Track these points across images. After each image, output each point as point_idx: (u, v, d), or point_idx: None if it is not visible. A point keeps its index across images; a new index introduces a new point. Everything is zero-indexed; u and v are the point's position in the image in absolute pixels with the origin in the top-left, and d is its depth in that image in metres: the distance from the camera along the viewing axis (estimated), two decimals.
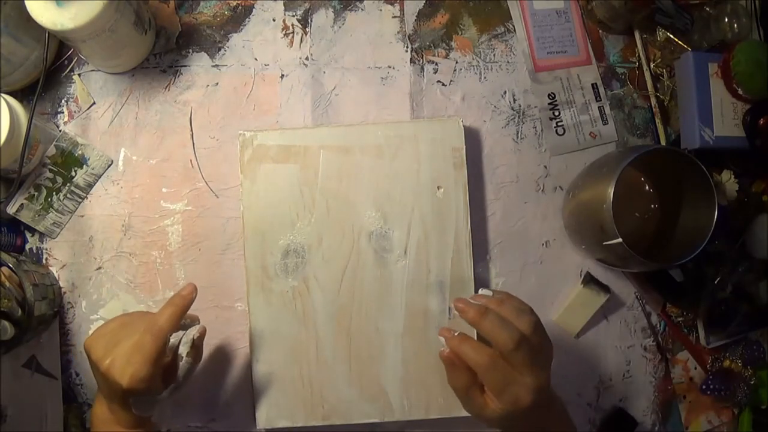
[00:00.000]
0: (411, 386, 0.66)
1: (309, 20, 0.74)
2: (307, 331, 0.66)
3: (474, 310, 0.50)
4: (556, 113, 0.74)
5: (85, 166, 0.70)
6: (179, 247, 0.70)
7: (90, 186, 0.70)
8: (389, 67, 0.73)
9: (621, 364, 0.73)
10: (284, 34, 0.73)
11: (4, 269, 0.60)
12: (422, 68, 0.74)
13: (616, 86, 0.76)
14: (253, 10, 0.73)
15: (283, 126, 0.72)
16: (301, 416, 0.65)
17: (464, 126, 0.68)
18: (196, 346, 0.56)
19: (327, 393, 0.65)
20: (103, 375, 0.52)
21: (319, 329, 0.66)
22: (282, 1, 0.73)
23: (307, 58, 0.73)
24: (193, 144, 0.71)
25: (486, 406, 0.51)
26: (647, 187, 0.73)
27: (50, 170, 0.69)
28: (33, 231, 0.70)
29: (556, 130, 0.74)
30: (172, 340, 0.57)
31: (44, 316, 0.65)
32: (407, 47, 0.74)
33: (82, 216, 0.70)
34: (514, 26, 0.75)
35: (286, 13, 0.73)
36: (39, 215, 0.69)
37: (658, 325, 0.74)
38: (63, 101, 0.71)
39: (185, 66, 0.72)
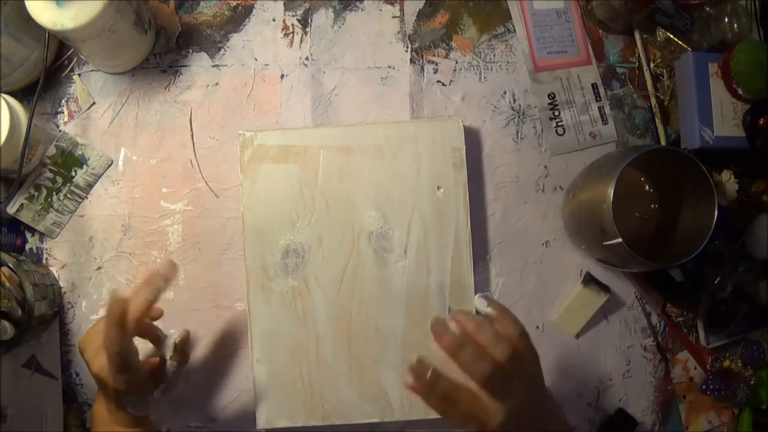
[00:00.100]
0: None
1: (309, 20, 0.74)
2: (307, 331, 0.66)
3: (449, 339, 0.48)
4: (556, 113, 0.74)
5: (85, 166, 0.70)
6: (179, 247, 0.70)
7: (90, 186, 0.70)
8: (389, 67, 0.73)
9: (621, 364, 0.73)
10: (284, 34, 0.73)
11: (4, 269, 0.60)
12: (422, 68, 0.74)
13: (616, 86, 0.76)
14: (253, 10, 0.73)
15: (283, 126, 0.72)
16: (301, 416, 0.65)
17: (464, 126, 0.68)
18: (179, 349, 0.56)
19: (327, 393, 0.66)
20: (95, 375, 0.52)
21: (319, 329, 0.66)
22: (282, 1, 0.73)
23: (307, 58, 0.73)
24: (193, 144, 0.71)
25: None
26: (647, 187, 0.73)
27: (50, 170, 0.69)
28: (33, 231, 0.70)
29: (556, 130, 0.74)
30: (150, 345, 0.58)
31: (44, 316, 0.65)
32: (407, 47, 0.74)
33: (82, 216, 0.70)
34: (514, 26, 0.75)
35: (286, 13, 0.73)
36: (39, 215, 0.69)
37: (658, 325, 0.74)
38: (63, 101, 0.71)
39: (185, 66, 0.72)
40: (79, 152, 0.70)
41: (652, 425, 0.73)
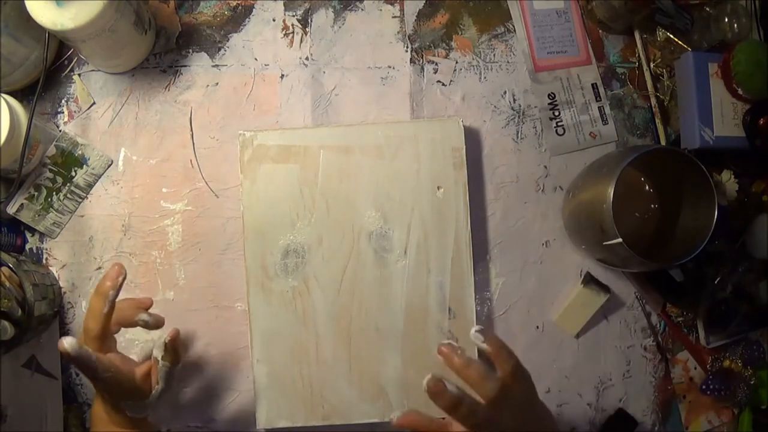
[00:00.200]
0: (411, 386, 0.66)
1: (309, 20, 0.74)
2: (307, 331, 0.66)
3: (447, 400, 0.48)
4: (556, 113, 0.74)
5: (85, 166, 0.70)
6: (179, 247, 0.70)
7: (90, 186, 0.70)
8: (389, 67, 0.73)
9: (621, 364, 0.73)
10: (284, 34, 0.73)
11: (4, 269, 0.60)
12: (422, 68, 0.74)
13: (616, 86, 0.76)
14: (253, 10, 0.73)
15: (283, 126, 0.72)
16: (301, 416, 0.65)
17: (464, 126, 0.68)
18: (170, 349, 0.56)
19: (327, 393, 0.66)
20: (90, 380, 0.53)
21: (319, 329, 0.66)
22: (282, 1, 0.73)
23: (307, 58, 0.73)
24: (193, 144, 0.71)
25: None
26: (647, 187, 0.73)
27: (50, 170, 0.69)
28: (33, 231, 0.70)
29: (556, 130, 0.74)
30: (150, 345, 0.58)
31: (44, 316, 0.65)
32: (407, 47, 0.74)
33: (82, 216, 0.70)
34: (514, 26, 0.75)
35: (286, 13, 0.73)
36: (39, 215, 0.69)
37: (658, 325, 0.74)
38: (63, 101, 0.71)
39: (185, 66, 0.72)
40: (79, 152, 0.70)
41: (652, 425, 0.73)
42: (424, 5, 0.74)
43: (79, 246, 0.70)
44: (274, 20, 0.73)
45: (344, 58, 0.73)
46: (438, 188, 0.67)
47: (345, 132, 0.68)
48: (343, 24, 0.74)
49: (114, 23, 0.61)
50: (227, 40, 0.73)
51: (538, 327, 0.72)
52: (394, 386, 0.66)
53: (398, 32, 0.74)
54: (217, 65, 0.72)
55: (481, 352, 0.52)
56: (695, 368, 0.74)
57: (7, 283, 0.60)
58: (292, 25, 0.73)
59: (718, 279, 0.72)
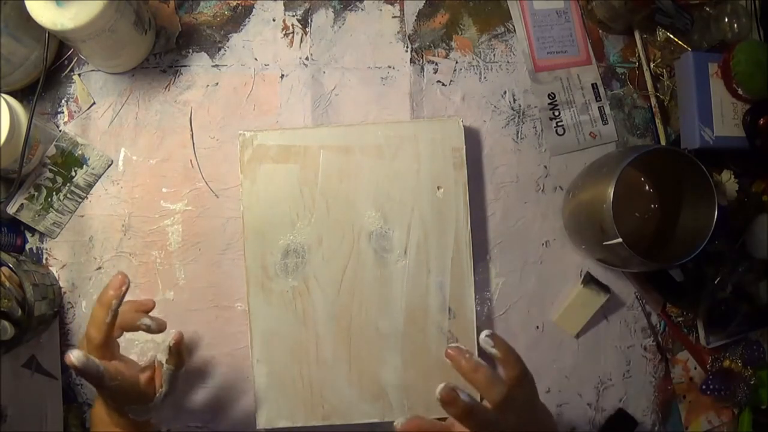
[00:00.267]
0: (411, 386, 0.66)
1: (309, 20, 0.74)
2: (307, 331, 0.66)
3: (459, 409, 0.48)
4: (556, 113, 0.74)
5: (85, 166, 0.70)
6: (179, 247, 0.70)
7: (90, 186, 0.70)
8: (389, 67, 0.73)
9: (621, 364, 0.73)
10: (284, 34, 0.73)
11: (4, 269, 0.60)
12: (422, 68, 0.74)
13: (616, 86, 0.76)
14: (253, 10, 0.73)
15: (283, 126, 0.72)
16: (301, 416, 0.65)
17: (464, 126, 0.68)
18: (175, 352, 0.56)
19: (327, 393, 0.66)
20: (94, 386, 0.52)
21: (319, 329, 0.66)
22: (282, 1, 0.73)
23: (307, 58, 0.73)
24: (193, 144, 0.71)
25: None
26: (647, 187, 0.73)
27: (50, 170, 0.69)
28: (33, 231, 0.70)
29: (556, 130, 0.74)
30: (150, 346, 0.58)
31: (44, 316, 0.65)
32: (407, 47, 0.74)
33: (82, 216, 0.70)
34: (514, 26, 0.75)
35: (286, 13, 0.73)
36: (39, 215, 0.69)
37: (658, 325, 0.74)
38: (63, 101, 0.71)
39: (185, 66, 0.72)
40: (79, 152, 0.70)
41: (652, 425, 0.73)
42: (424, 5, 0.74)
43: (79, 246, 0.70)
44: (274, 20, 0.73)
45: (344, 58, 0.73)
46: (438, 188, 0.67)
47: (345, 132, 0.68)
48: (343, 24, 0.74)
49: (114, 23, 0.61)
50: (227, 40, 0.73)
51: (538, 327, 0.72)
52: (394, 386, 0.66)
53: (398, 32, 0.74)
54: (217, 65, 0.72)
55: (482, 351, 0.52)
56: (695, 368, 0.75)
57: (7, 283, 0.60)
58: (292, 25, 0.73)
59: (718, 279, 0.72)
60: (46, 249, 0.70)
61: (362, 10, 0.74)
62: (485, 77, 0.74)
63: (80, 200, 0.70)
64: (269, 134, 0.68)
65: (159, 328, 0.59)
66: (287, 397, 0.65)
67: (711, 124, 0.71)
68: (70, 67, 0.71)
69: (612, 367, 0.73)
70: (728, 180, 0.73)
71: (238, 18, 0.73)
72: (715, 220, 0.61)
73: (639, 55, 0.76)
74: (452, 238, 0.67)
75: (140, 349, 0.69)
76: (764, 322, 0.75)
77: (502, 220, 0.73)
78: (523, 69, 0.74)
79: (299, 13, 0.74)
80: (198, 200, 0.71)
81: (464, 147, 0.68)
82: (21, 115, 0.62)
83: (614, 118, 0.75)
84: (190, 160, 0.71)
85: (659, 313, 0.74)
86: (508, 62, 0.74)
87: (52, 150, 0.69)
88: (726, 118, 0.72)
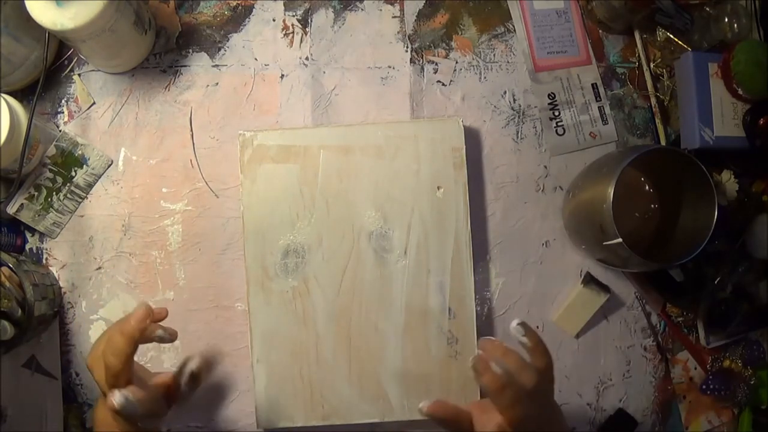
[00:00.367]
0: (411, 386, 0.66)
1: (309, 20, 0.74)
2: (307, 331, 0.66)
3: (491, 378, 0.49)
4: (556, 113, 0.74)
5: (85, 166, 0.70)
6: (179, 247, 0.70)
7: (90, 186, 0.70)
8: (389, 67, 0.73)
9: (621, 364, 0.73)
10: (284, 34, 0.73)
11: (4, 269, 0.60)
12: (422, 68, 0.74)
13: (616, 86, 0.76)
14: (253, 10, 0.73)
15: (283, 126, 0.72)
16: (301, 416, 0.65)
17: (464, 126, 0.68)
18: (196, 376, 0.56)
19: (327, 393, 0.66)
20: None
21: (319, 329, 0.66)
22: (282, 1, 0.73)
23: (307, 58, 0.73)
24: (193, 144, 0.71)
25: None
26: (647, 187, 0.73)
27: (50, 170, 0.69)
28: (33, 231, 0.70)
29: (556, 130, 0.74)
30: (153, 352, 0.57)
31: (44, 316, 0.65)
32: (407, 47, 0.74)
33: (82, 216, 0.70)
34: (514, 26, 0.75)
35: (286, 13, 0.73)
36: (39, 215, 0.69)
37: (658, 325, 0.74)
38: (63, 101, 0.71)
39: (185, 66, 0.72)
40: (79, 152, 0.70)
41: (652, 425, 0.73)
42: (424, 5, 0.74)
43: (79, 246, 0.70)
44: (274, 20, 0.73)
45: (344, 58, 0.73)
46: (438, 188, 0.67)
47: (345, 132, 0.68)
48: (343, 24, 0.74)
49: (114, 23, 0.61)
50: (227, 40, 0.73)
51: (538, 327, 0.72)
52: (394, 386, 0.66)
53: (398, 32, 0.74)
54: (217, 65, 0.72)
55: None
56: (695, 368, 0.74)
57: (7, 283, 0.60)
58: (292, 25, 0.73)
59: (718, 279, 0.72)
60: (46, 249, 0.70)
61: (362, 10, 0.74)
62: (485, 77, 0.74)
63: (80, 200, 0.70)
64: (269, 134, 0.67)
65: (171, 338, 0.57)
66: (287, 397, 0.65)
67: (711, 124, 0.71)
68: (70, 67, 0.71)
69: (612, 367, 0.73)
70: (728, 180, 0.73)
71: (238, 18, 0.73)
72: (715, 220, 0.61)
73: (639, 55, 0.76)
74: (452, 238, 0.67)
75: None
76: (764, 322, 0.75)
77: (502, 220, 0.73)
78: (523, 69, 0.74)
79: (299, 13, 0.74)
80: (198, 200, 0.71)
81: (464, 147, 0.68)
82: (21, 115, 0.62)
83: (614, 118, 0.75)
84: (190, 160, 0.71)
85: (659, 313, 0.74)
86: (508, 62, 0.74)
87: (52, 150, 0.69)
88: (726, 118, 0.72)
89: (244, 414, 0.69)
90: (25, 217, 0.68)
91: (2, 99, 0.60)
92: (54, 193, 0.69)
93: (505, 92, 0.74)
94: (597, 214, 0.62)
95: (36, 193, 0.69)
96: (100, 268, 0.70)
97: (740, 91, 0.71)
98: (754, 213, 0.74)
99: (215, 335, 0.70)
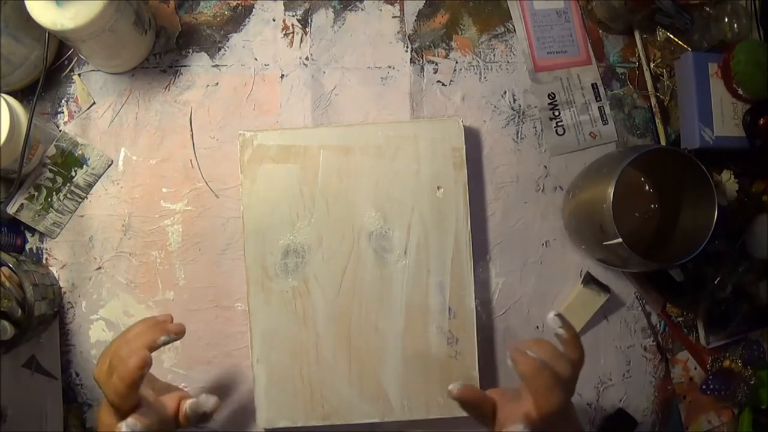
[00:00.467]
0: (411, 386, 0.66)
1: (309, 20, 0.74)
2: (307, 331, 0.66)
3: (529, 363, 0.49)
4: (556, 113, 0.74)
5: (85, 166, 0.70)
6: (179, 247, 0.70)
7: (90, 186, 0.70)
8: (389, 67, 0.73)
9: (621, 364, 0.73)
10: (284, 34, 0.73)
11: (4, 269, 0.60)
12: (422, 68, 0.74)
13: (616, 86, 0.76)
14: (253, 10, 0.73)
15: (283, 126, 0.72)
16: (301, 416, 0.65)
17: (464, 126, 0.68)
18: (207, 415, 0.56)
19: (327, 393, 0.65)
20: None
21: (319, 329, 0.66)
22: (282, 1, 0.73)
23: (307, 58, 0.73)
24: (193, 144, 0.71)
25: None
26: (647, 187, 0.73)
27: (50, 170, 0.69)
28: (33, 231, 0.70)
29: (556, 130, 0.74)
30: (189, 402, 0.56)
31: (44, 316, 0.65)
32: (407, 47, 0.74)
33: (82, 216, 0.70)
34: (514, 26, 0.75)
35: (286, 13, 0.73)
36: (39, 215, 0.69)
37: (658, 325, 0.74)
38: (63, 101, 0.71)
39: (185, 66, 0.72)
40: (79, 152, 0.70)
41: (652, 425, 0.73)
42: (424, 5, 0.74)
43: (79, 246, 0.70)
44: (274, 20, 0.73)
45: (344, 58, 0.73)
46: (438, 188, 0.67)
47: (345, 132, 0.68)
48: (343, 24, 0.74)
49: (114, 23, 0.61)
50: (227, 40, 0.73)
51: (538, 327, 0.72)
52: (394, 386, 0.66)
53: (398, 32, 0.74)
54: (217, 65, 0.72)
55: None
56: (695, 368, 0.74)
57: (7, 283, 0.60)
58: (292, 25, 0.73)
59: (718, 279, 0.72)
60: (46, 249, 0.70)
61: (362, 10, 0.74)
62: (485, 77, 0.74)
63: (80, 200, 0.70)
64: (269, 134, 0.67)
65: (177, 336, 0.55)
66: (287, 397, 0.65)
67: (711, 124, 0.71)
68: (70, 67, 0.71)
69: (612, 367, 0.73)
70: (728, 180, 0.73)
71: (238, 18, 0.73)
72: (715, 220, 0.61)
73: (639, 55, 0.76)
74: (452, 238, 0.67)
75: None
76: (764, 322, 0.75)
77: (502, 220, 0.73)
78: (523, 69, 0.74)
79: (299, 13, 0.74)
80: (198, 200, 0.71)
81: (464, 147, 0.68)
82: (21, 115, 0.62)
83: (614, 118, 0.75)
84: (190, 160, 0.71)
85: (659, 313, 0.74)
86: (508, 62, 0.74)
87: (52, 150, 0.69)
88: (726, 118, 0.72)
89: (244, 414, 0.69)
90: (25, 217, 0.68)
91: (2, 99, 0.60)
92: (54, 193, 0.69)
93: (505, 92, 0.74)
94: (597, 214, 0.62)
95: (36, 193, 0.69)
96: (100, 268, 0.70)
97: (740, 91, 0.71)
98: (754, 213, 0.74)
99: (215, 335, 0.70)
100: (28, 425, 0.67)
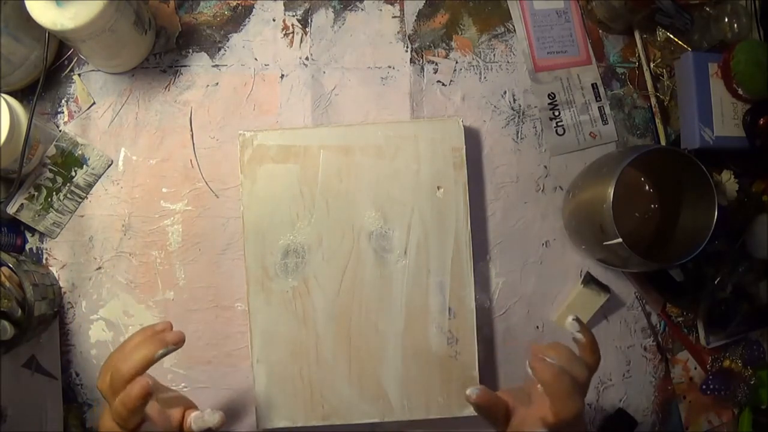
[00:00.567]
0: (411, 386, 0.66)
1: (309, 20, 0.74)
2: (307, 331, 0.66)
3: (547, 369, 0.49)
4: (556, 113, 0.74)
5: (85, 166, 0.70)
6: (179, 247, 0.70)
7: (90, 186, 0.70)
8: (389, 67, 0.73)
9: (621, 364, 0.73)
10: (284, 34, 0.73)
11: (4, 269, 0.60)
12: (422, 68, 0.74)
13: (616, 86, 0.76)
14: (253, 10, 0.73)
15: (283, 126, 0.72)
16: (301, 416, 0.65)
17: (464, 126, 0.68)
18: (212, 431, 0.56)
19: (327, 393, 0.66)
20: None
21: (319, 329, 0.66)
22: (282, 1, 0.73)
23: (307, 58, 0.73)
24: (193, 144, 0.71)
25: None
26: (647, 187, 0.73)
27: (50, 170, 0.69)
28: (33, 231, 0.70)
29: (556, 130, 0.74)
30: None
31: (44, 316, 0.65)
32: (407, 47, 0.74)
33: (82, 216, 0.70)
34: (514, 26, 0.75)
35: (286, 13, 0.73)
36: (39, 215, 0.69)
37: (658, 325, 0.74)
38: (63, 101, 0.71)
39: (185, 66, 0.72)
40: (79, 152, 0.70)
41: (652, 425, 0.73)
42: (424, 5, 0.74)
43: (79, 246, 0.70)
44: (274, 20, 0.73)
45: (344, 58, 0.73)
46: (438, 188, 0.67)
47: (345, 132, 0.68)
48: (343, 24, 0.74)
49: (114, 23, 0.61)
50: (227, 40, 0.73)
51: (538, 327, 0.72)
52: (394, 386, 0.66)
53: (398, 32, 0.74)
54: (217, 65, 0.72)
55: None
56: (695, 368, 0.74)
57: (7, 283, 0.60)
58: (292, 25, 0.73)
59: (718, 279, 0.72)
60: (46, 249, 0.70)
61: (362, 10, 0.74)
62: (485, 77, 0.74)
63: (80, 200, 0.70)
64: (269, 134, 0.67)
65: (176, 347, 0.53)
66: (287, 397, 0.65)
67: (711, 124, 0.71)
68: (70, 67, 0.71)
69: (612, 367, 0.73)
70: (728, 180, 0.73)
71: (238, 18, 0.73)
72: (715, 220, 0.61)
73: (639, 55, 0.76)
74: (452, 238, 0.67)
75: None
76: (764, 322, 0.75)
77: (502, 220, 0.73)
78: (523, 69, 0.74)
79: (299, 13, 0.74)
80: (198, 200, 0.71)
81: (464, 147, 0.68)
82: (21, 115, 0.62)
83: (614, 118, 0.75)
84: (190, 160, 0.71)
85: (659, 313, 0.74)
86: (508, 62, 0.74)
87: (52, 150, 0.69)
88: (726, 118, 0.72)
89: (244, 414, 0.69)
90: (25, 217, 0.68)
91: (2, 99, 0.60)
92: (54, 193, 0.69)
93: (505, 92, 0.74)
94: (597, 214, 0.62)
95: (36, 193, 0.69)
96: (100, 268, 0.70)
97: (740, 91, 0.71)
98: (754, 213, 0.74)
99: (215, 335, 0.70)
100: (28, 425, 0.67)
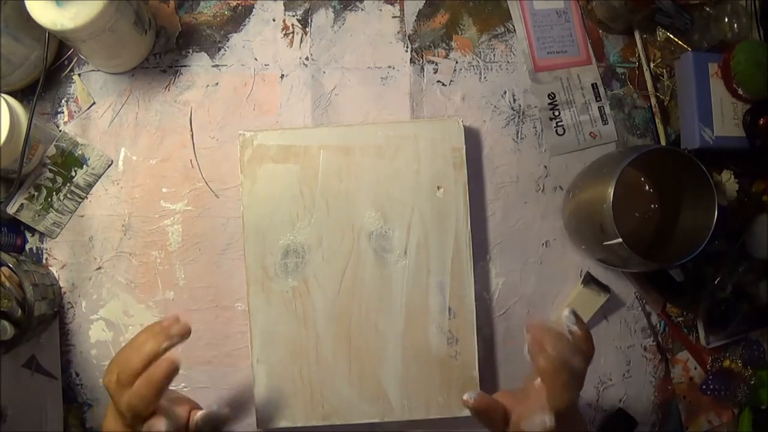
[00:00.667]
0: (411, 386, 0.66)
1: (309, 20, 0.74)
2: (307, 331, 0.66)
3: (547, 361, 0.50)
4: (556, 113, 0.74)
5: (85, 166, 0.70)
6: (179, 247, 0.70)
7: (90, 186, 0.70)
8: (389, 67, 0.73)
9: (621, 364, 0.73)
10: (284, 34, 0.73)
11: (4, 269, 0.60)
12: (422, 68, 0.74)
13: (616, 86, 0.76)
14: (253, 10, 0.73)
15: (283, 126, 0.72)
16: (301, 416, 0.65)
17: (464, 126, 0.68)
18: (219, 428, 0.55)
19: (327, 393, 0.66)
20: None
21: (319, 329, 0.66)
22: (282, 1, 0.73)
23: (307, 58, 0.73)
24: (193, 144, 0.71)
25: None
26: (647, 187, 0.73)
27: (50, 170, 0.69)
28: (33, 231, 0.70)
29: (556, 130, 0.74)
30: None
31: (44, 316, 0.65)
32: (407, 47, 0.74)
33: (82, 216, 0.70)
34: (514, 26, 0.75)
35: (286, 13, 0.73)
36: (39, 215, 0.69)
37: (658, 325, 0.74)
38: (63, 101, 0.71)
39: (185, 66, 0.72)
40: (79, 152, 0.70)
41: (652, 425, 0.73)
42: (424, 5, 0.74)
43: (79, 246, 0.70)
44: (274, 20, 0.73)
45: (344, 58, 0.73)
46: (438, 188, 0.67)
47: (345, 132, 0.68)
48: (343, 24, 0.74)
49: (114, 23, 0.61)
50: (227, 40, 0.73)
51: None
52: (394, 386, 0.66)
53: (398, 32, 0.74)
54: (217, 65, 0.72)
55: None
56: (695, 368, 0.74)
57: (7, 283, 0.60)
58: (292, 25, 0.73)
59: (718, 279, 0.72)
60: (46, 249, 0.70)
61: (362, 10, 0.74)
62: (485, 77, 0.74)
63: (80, 200, 0.70)
64: (269, 134, 0.67)
65: (181, 339, 0.52)
66: (287, 397, 0.65)
67: (711, 124, 0.71)
68: (70, 67, 0.71)
69: (612, 367, 0.73)
70: (728, 180, 0.73)
71: (238, 18, 0.73)
72: (715, 220, 0.61)
73: (639, 55, 0.76)
74: (452, 238, 0.67)
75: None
76: (764, 322, 0.75)
77: (502, 220, 0.73)
78: (523, 69, 0.74)
79: (299, 13, 0.74)
80: (198, 200, 0.71)
81: (464, 147, 0.68)
82: (21, 115, 0.62)
83: (614, 118, 0.75)
84: (190, 160, 0.71)
85: (659, 313, 0.74)
86: (508, 62, 0.74)
87: (52, 150, 0.69)
88: (726, 118, 0.72)
89: (244, 414, 0.69)
90: (25, 217, 0.68)
91: (2, 99, 0.60)
92: (54, 193, 0.69)
93: (505, 92, 0.74)
94: (597, 214, 0.62)
95: (36, 193, 0.69)
96: (100, 268, 0.70)
97: (740, 91, 0.71)
98: (754, 213, 0.74)
99: (215, 335, 0.70)
100: (28, 425, 0.67)
